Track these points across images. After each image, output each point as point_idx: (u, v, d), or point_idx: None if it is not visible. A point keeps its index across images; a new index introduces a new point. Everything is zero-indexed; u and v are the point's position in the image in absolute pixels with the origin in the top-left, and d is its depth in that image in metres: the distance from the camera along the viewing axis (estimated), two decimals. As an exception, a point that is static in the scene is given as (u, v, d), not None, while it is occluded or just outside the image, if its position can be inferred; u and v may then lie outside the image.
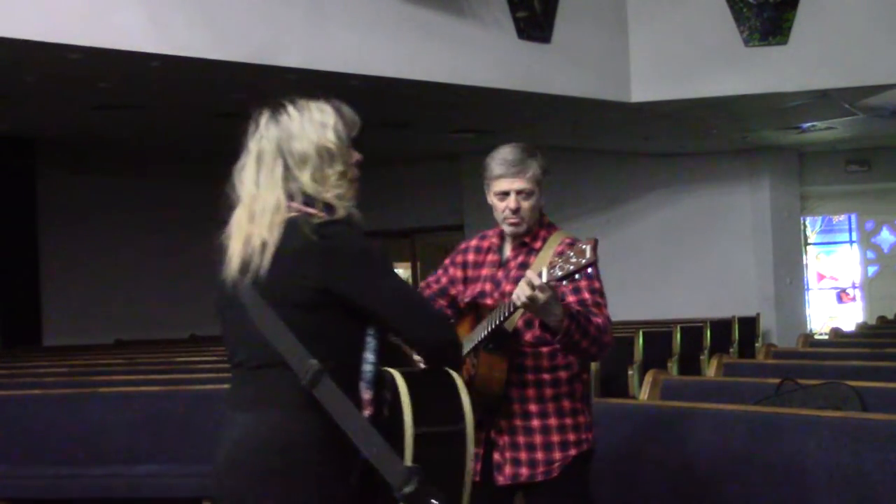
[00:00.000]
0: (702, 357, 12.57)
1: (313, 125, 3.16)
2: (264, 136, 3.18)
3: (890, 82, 11.86)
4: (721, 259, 16.53)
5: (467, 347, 4.06)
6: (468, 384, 3.85)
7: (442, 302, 4.41)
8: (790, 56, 11.84)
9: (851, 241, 18.73)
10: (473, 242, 4.42)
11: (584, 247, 3.62)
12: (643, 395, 5.93)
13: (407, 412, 3.03)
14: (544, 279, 3.66)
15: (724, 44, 12.04)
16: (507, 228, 4.23)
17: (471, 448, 3.16)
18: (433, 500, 2.94)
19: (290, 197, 3.14)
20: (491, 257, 4.32)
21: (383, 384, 3.12)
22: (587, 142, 16.00)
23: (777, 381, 5.70)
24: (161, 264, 17.22)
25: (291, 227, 3.09)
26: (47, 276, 15.51)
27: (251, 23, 9.86)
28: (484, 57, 11.19)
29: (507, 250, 4.29)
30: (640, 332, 12.03)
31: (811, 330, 17.44)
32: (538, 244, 4.19)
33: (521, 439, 4.17)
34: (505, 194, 4.13)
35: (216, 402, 6.94)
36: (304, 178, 3.14)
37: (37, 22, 8.70)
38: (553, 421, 4.15)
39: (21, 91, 10.96)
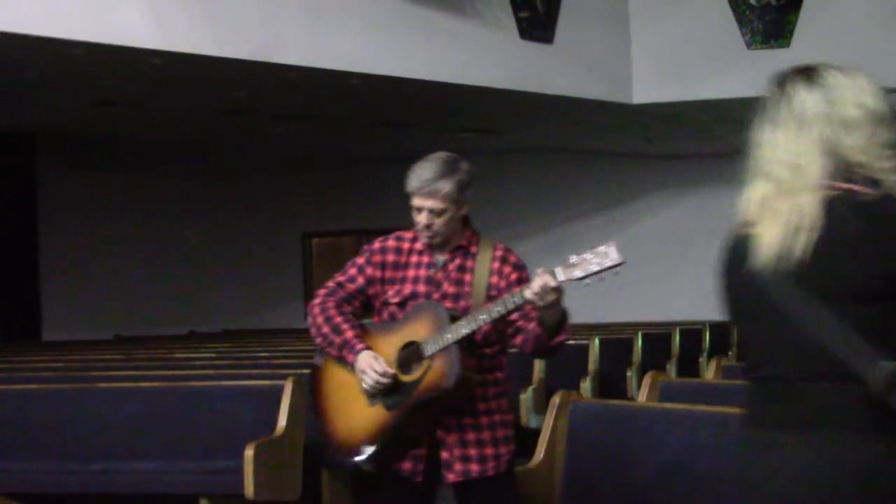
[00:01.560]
0: (701, 359, 12.41)
1: (859, 88, 2.76)
2: (802, 101, 2.75)
3: (892, 86, 11.78)
4: (722, 261, 16.25)
5: (432, 347, 4.19)
6: (434, 386, 4.16)
7: (355, 304, 4.45)
8: (793, 59, 11.09)
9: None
10: (391, 243, 4.47)
11: (605, 249, 3.91)
12: (641, 396, 5.91)
13: None
14: (561, 278, 3.92)
15: (726, 46, 12.03)
16: (423, 238, 4.38)
17: None
18: None
19: (830, 172, 2.68)
20: (418, 258, 4.42)
21: None
22: (588, 143, 16.02)
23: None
24: (160, 261, 17.21)
25: (834, 207, 2.64)
26: (47, 272, 15.53)
27: (252, 21, 9.92)
28: (486, 56, 11.28)
29: (442, 254, 4.40)
30: (640, 334, 11.90)
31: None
32: (474, 248, 4.36)
33: (470, 436, 4.32)
34: (419, 210, 4.27)
35: (215, 398, 6.99)
36: (851, 147, 2.68)
37: (38, 17, 8.73)
38: (497, 417, 4.35)
39: (22, 87, 10.93)
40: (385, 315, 4.41)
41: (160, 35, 9.30)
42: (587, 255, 3.93)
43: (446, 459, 4.31)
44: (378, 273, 4.42)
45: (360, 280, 4.44)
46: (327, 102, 12.15)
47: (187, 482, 6.56)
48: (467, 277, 4.31)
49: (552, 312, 4.04)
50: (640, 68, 12.24)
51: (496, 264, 4.31)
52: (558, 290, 3.95)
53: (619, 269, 3.91)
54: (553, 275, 3.94)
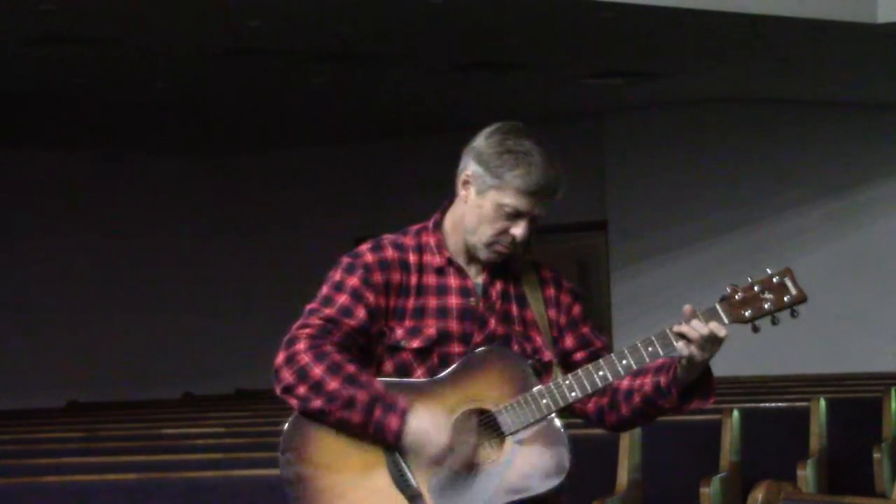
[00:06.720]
0: None
1: None
2: None
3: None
4: None
5: (517, 419, 3.58)
6: None
7: (353, 351, 3.61)
8: None
9: None
10: (390, 254, 3.71)
11: (779, 278, 3.58)
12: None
13: None
14: (725, 321, 3.54)
15: None
16: (484, 255, 3.73)
17: None
18: None
19: None
20: (439, 279, 3.73)
21: None
22: (803, 88, 13.74)
23: None
24: (133, 284, 14.78)
25: None
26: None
27: None
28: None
29: (473, 271, 3.76)
30: (822, 402, 9.12)
31: None
32: (512, 265, 3.76)
33: None
34: (516, 215, 3.65)
35: (223, 497, 6.22)
36: None
37: None
38: None
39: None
40: (389, 367, 3.68)
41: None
42: (756, 287, 3.56)
43: None
44: (382, 301, 3.69)
45: (361, 313, 3.66)
46: (393, 32, 10.53)
47: None
48: (514, 310, 3.70)
49: (695, 368, 3.57)
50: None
51: (550, 290, 3.72)
52: (723, 340, 3.58)
53: (798, 310, 3.57)
54: (719, 318, 3.51)
